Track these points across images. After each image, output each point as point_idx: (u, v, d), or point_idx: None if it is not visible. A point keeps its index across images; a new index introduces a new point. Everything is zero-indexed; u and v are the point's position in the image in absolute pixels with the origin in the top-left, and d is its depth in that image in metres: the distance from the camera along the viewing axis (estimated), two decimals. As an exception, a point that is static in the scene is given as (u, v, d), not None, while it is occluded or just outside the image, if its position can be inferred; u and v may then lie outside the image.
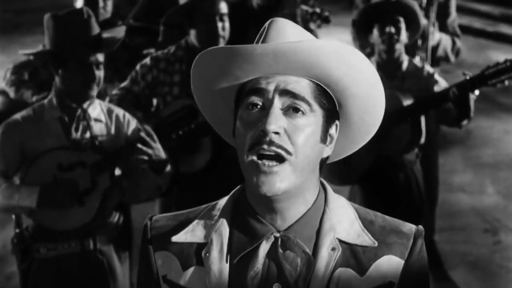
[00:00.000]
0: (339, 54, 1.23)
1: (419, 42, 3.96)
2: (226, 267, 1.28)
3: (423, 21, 3.48)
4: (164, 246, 1.34)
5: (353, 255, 1.28)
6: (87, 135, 2.78)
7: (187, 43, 3.37)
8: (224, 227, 1.31)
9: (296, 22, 4.50)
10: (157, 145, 2.76)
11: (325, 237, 1.28)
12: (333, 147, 1.32)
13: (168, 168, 2.83)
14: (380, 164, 3.38)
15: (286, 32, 1.27)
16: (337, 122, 1.31)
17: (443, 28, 4.21)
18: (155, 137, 2.75)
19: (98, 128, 2.81)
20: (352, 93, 1.28)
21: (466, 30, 6.73)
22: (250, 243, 1.28)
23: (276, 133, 1.21)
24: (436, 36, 4.08)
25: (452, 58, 4.20)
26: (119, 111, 2.91)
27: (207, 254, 1.29)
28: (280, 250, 1.26)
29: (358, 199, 3.43)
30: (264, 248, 1.27)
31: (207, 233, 1.32)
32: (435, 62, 4.10)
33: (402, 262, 1.28)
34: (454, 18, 4.32)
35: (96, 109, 2.82)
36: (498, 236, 4.53)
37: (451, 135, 5.59)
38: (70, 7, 3.84)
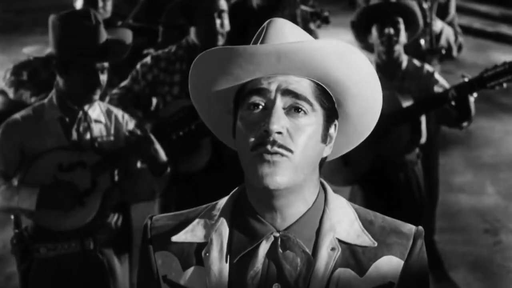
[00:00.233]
0: (340, 54, 1.23)
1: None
2: (226, 267, 1.28)
3: (422, 21, 3.47)
4: (164, 246, 1.34)
5: (353, 255, 1.28)
6: (87, 136, 2.78)
7: (188, 43, 3.37)
8: (224, 227, 1.31)
9: (296, 22, 4.49)
10: (157, 147, 2.76)
11: (325, 237, 1.28)
12: (332, 146, 1.32)
13: (168, 170, 2.83)
14: (380, 165, 3.38)
15: (285, 32, 1.27)
16: (336, 121, 1.32)
17: None
18: (155, 140, 2.75)
19: (98, 129, 2.81)
20: (352, 93, 1.29)
21: (466, 30, 6.72)
22: (250, 242, 1.28)
23: (279, 133, 1.21)
24: (439, 24, 4.08)
25: (454, 50, 4.18)
26: (118, 112, 2.91)
27: (207, 254, 1.29)
28: (280, 250, 1.26)
29: (359, 199, 3.43)
30: (264, 248, 1.27)
31: (207, 233, 1.32)
32: (438, 50, 4.07)
33: (402, 262, 1.28)
34: (453, 17, 4.32)
35: (95, 110, 2.82)
36: (499, 237, 4.53)
37: (451, 135, 5.59)
38: (70, 7, 3.84)
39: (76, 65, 2.67)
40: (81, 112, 2.77)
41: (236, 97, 1.30)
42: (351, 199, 3.40)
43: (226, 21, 3.30)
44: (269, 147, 1.20)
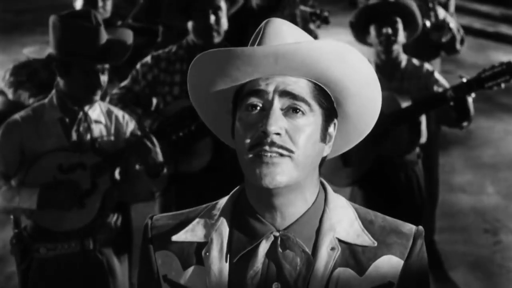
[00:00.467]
0: (338, 54, 1.23)
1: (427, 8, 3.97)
2: (226, 266, 1.28)
3: (421, 21, 3.47)
4: (165, 246, 1.34)
5: (353, 255, 1.28)
6: (88, 137, 2.78)
7: (188, 43, 3.37)
8: (224, 226, 1.31)
9: (295, 22, 4.49)
10: (157, 149, 2.76)
11: (324, 236, 1.28)
12: (331, 145, 1.32)
13: (164, 171, 2.83)
14: (380, 165, 3.38)
15: (283, 33, 1.27)
16: (335, 120, 1.32)
17: None
18: (155, 141, 2.75)
19: (98, 130, 2.81)
20: (350, 92, 1.29)
21: (466, 30, 6.71)
22: (250, 242, 1.28)
23: (277, 134, 1.21)
24: (442, 12, 4.07)
25: (458, 40, 4.17)
26: (118, 112, 2.91)
27: (207, 254, 1.29)
28: (280, 250, 1.26)
29: (359, 200, 3.43)
30: (263, 247, 1.27)
31: (207, 232, 1.32)
32: (443, 25, 4.03)
33: (402, 262, 1.28)
34: (451, 15, 4.33)
35: (96, 110, 2.82)
36: (499, 236, 4.53)
37: (451, 135, 5.59)
38: (70, 7, 3.85)
39: (76, 67, 2.67)
40: (81, 113, 2.77)
41: (234, 97, 1.30)
42: (351, 199, 3.40)
43: (223, 19, 3.31)
44: (267, 147, 1.20)
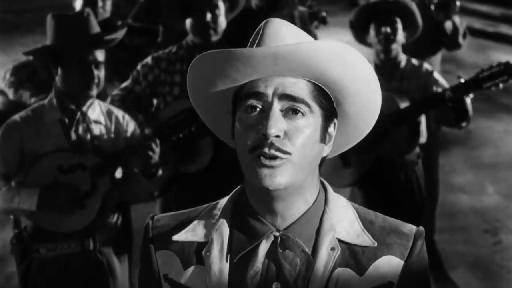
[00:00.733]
0: (337, 54, 1.23)
1: None
2: (226, 266, 1.28)
3: (421, 21, 3.47)
4: (165, 245, 1.34)
5: (353, 255, 1.28)
6: (87, 137, 2.77)
7: (188, 43, 3.37)
8: (224, 226, 1.31)
9: (294, 23, 4.49)
10: (157, 151, 2.76)
11: (324, 236, 1.28)
12: (332, 145, 1.32)
13: (160, 172, 2.84)
14: (380, 165, 3.38)
15: (282, 33, 1.26)
16: (335, 120, 1.32)
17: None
18: (157, 143, 2.75)
19: (98, 130, 2.81)
20: (350, 92, 1.29)
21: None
22: (250, 242, 1.28)
23: (277, 136, 1.21)
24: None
25: (460, 34, 4.16)
26: (118, 112, 2.91)
27: (208, 253, 1.30)
28: (280, 250, 1.26)
29: (359, 200, 3.43)
30: (264, 247, 1.27)
31: (207, 232, 1.32)
32: (447, 7, 4.03)
33: (402, 262, 1.28)
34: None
35: (95, 110, 2.82)
36: (499, 237, 4.53)
37: (451, 135, 5.59)
38: (70, 7, 3.86)
39: (70, 61, 2.67)
40: (79, 113, 2.77)
41: (234, 98, 1.30)
42: (351, 199, 3.39)
43: (221, 18, 3.31)
44: (266, 149, 1.20)
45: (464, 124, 3.29)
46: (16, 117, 2.77)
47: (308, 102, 1.24)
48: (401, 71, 3.45)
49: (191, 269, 1.31)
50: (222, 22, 3.33)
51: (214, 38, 3.31)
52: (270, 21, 1.28)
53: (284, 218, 1.28)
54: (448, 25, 4.14)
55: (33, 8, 9.39)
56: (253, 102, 1.24)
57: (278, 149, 1.21)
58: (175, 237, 1.34)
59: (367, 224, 1.31)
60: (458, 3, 4.05)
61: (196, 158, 3.24)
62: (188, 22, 3.33)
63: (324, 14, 4.41)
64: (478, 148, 5.90)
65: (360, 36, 3.54)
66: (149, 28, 4.52)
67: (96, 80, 2.71)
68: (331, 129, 1.31)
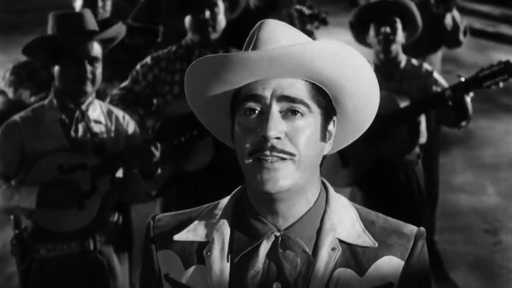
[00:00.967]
0: (333, 53, 1.23)
1: None
2: (227, 266, 1.28)
3: (420, 21, 3.46)
4: (166, 245, 1.35)
5: (353, 256, 1.28)
6: (87, 137, 2.77)
7: (187, 42, 3.38)
8: (225, 226, 1.32)
9: (293, 23, 4.49)
10: (157, 154, 2.76)
11: (325, 237, 1.28)
12: (332, 142, 1.32)
13: (158, 172, 2.84)
14: (380, 165, 3.38)
15: (277, 35, 1.26)
16: (334, 118, 1.32)
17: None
18: (158, 146, 2.76)
19: (98, 130, 2.81)
20: (347, 89, 1.29)
21: (466, 30, 6.72)
22: (251, 242, 1.28)
23: (277, 138, 1.21)
24: None
25: (461, 31, 4.16)
26: (118, 112, 2.91)
27: (209, 253, 1.30)
28: (280, 250, 1.27)
29: (359, 200, 3.43)
30: (264, 247, 1.27)
31: (208, 232, 1.32)
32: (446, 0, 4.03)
33: (402, 263, 1.29)
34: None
35: (96, 110, 2.82)
36: (499, 237, 4.53)
37: (451, 135, 5.59)
38: (70, 7, 3.85)
39: (64, 56, 2.68)
40: (77, 112, 2.77)
41: (232, 101, 1.30)
42: (351, 199, 3.38)
43: (220, 16, 3.31)
44: (267, 152, 1.21)
45: (464, 123, 3.29)
46: (16, 117, 2.77)
47: (307, 102, 1.24)
48: (401, 71, 3.45)
49: (192, 268, 1.31)
50: (222, 20, 3.34)
51: (213, 36, 3.31)
52: (265, 23, 1.28)
53: (286, 218, 1.28)
54: (448, 20, 4.14)
55: (33, 8, 9.39)
56: (251, 105, 1.24)
57: (282, 151, 1.21)
58: (176, 237, 1.34)
59: (368, 225, 1.31)
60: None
61: (196, 158, 3.23)
62: (187, 20, 3.33)
63: (324, 15, 4.41)
64: (478, 148, 5.90)
65: (360, 36, 3.54)
66: (149, 28, 4.51)
67: (89, 76, 2.70)
68: (330, 127, 1.31)
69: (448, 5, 4.04)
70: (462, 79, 3.09)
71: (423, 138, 3.43)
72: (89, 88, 2.72)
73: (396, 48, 3.42)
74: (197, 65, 1.27)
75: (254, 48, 1.26)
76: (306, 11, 4.40)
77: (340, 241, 1.28)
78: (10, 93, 3.57)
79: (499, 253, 4.33)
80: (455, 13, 4.16)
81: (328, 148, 1.32)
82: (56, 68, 2.73)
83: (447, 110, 3.21)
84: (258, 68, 1.22)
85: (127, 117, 2.92)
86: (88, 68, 2.68)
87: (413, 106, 3.27)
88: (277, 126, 1.21)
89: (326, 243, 1.27)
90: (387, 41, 3.37)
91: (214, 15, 3.29)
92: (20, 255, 2.78)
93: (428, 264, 1.33)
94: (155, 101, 3.36)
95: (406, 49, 3.55)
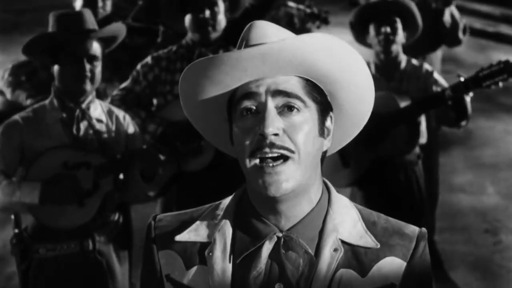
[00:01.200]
0: (324, 47, 1.23)
1: None
2: (229, 266, 1.28)
3: (421, 21, 3.46)
4: (168, 245, 1.34)
5: (355, 256, 1.28)
6: (89, 134, 2.78)
7: (187, 42, 3.37)
8: (227, 227, 1.32)
9: (292, 22, 4.48)
10: (162, 159, 2.77)
11: (327, 237, 1.28)
12: (331, 139, 1.32)
13: (159, 172, 2.84)
14: (379, 165, 3.38)
15: (268, 34, 1.26)
16: (331, 113, 1.32)
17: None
18: (163, 151, 2.76)
19: (100, 128, 2.81)
20: (342, 83, 1.29)
21: (466, 30, 6.72)
22: (253, 243, 1.28)
23: (275, 134, 1.21)
24: None
25: (460, 29, 4.15)
26: (119, 113, 2.91)
27: (210, 254, 1.30)
28: (283, 250, 1.26)
29: (359, 200, 3.43)
30: (267, 248, 1.27)
31: (210, 232, 1.32)
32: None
33: (404, 264, 1.28)
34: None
35: (97, 109, 2.82)
36: (499, 237, 4.53)
37: (451, 135, 5.59)
38: (70, 7, 3.85)
39: (64, 55, 2.68)
40: (78, 111, 2.77)
41: (228, 105, 1.30)
42: (351, 199, 3.38)
43: (220, 16, 3.31)
44: (267, 149, 1.21)
45: (463, 123, 3.29)
46: (17, 117, 2.77)
47: (302, 97, 1.24)
48: (401, 72, 3.45)
49: (193, 269, 1.31)
50: (222, 20, 3.34)
51: (213, 35, 3.31)
52: (255, 24, 1.28)
53: (288, 218, 1.28)
54: (447, 17, 4.14)
55: (33, 8, 9.38)
56: (247, 104, 1.24)
57: (282, 147, 1.21)
58: (178, 237, 1.34)
59: (370, 225, 1.31)
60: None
61: (197, 158, 3.23)
62: (187, 19, 3.33)
63: (325, 14, 4.41)
64: (478, 148, 5.90)
65: (360, 37, 3.54)
66: (149, 28, 4.52)
67: (88, 74, 2.69)
68: (328, 122, 1.31)
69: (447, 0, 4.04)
70: (462, 79, 3.09)
71: (423, 138, 3.43)
72: (88, 86, 2.72)
73: (397, 48, 3.42)
74: (190, 69, 1.27)
75: (245, 47, 1.26)
76: (307, 10, 4.40)
77: (342, 241, 1.28)
78: (8, 93, 3.57)
79: (499, 253, 4.33)
80: (454, 10, 4.16)
81: (328, 144, 1.32)
82: (56, 68, 2.73)
83: (446, 110, 3.21)
84: (250, 66, 1.22)
85: (127, 117, 2.92)
86: (87, 66, 2.68)
87: (413, 106, 3.27)
88: (274, 123, 1.21)
89: (329, 244, 1.27)
90: (387, 41, 3.37)
91: (214, 14, 3.29)
92: (19, 254, 2.78)
93: (429, 265, 1.33)
94: (155, 101, 3.36)
95: (406, 48, 3.55)
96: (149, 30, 4.51)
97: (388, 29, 3.36)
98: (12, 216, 2.83)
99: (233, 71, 1.23)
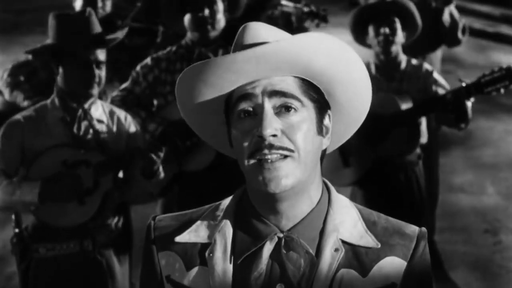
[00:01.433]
0: (318, 46, 1.23)
1: None
2: (230, 267, 1.28)
3: (420, 21, 3.46)
4: (168, 246, 1.34)
5: (356, 256, 1.28)
6: (90, 134, 2.78)
7: (187, 42, 3.37)
8: (227, 227, 1.31)
9: (289, 21, 4.47)
10: (161, 156, 2.77)
11: (328, 237, 1.28)
12: (330, 137, 1.32)
13: (161, 175, 2.83)
14: (380, 165, 3.38)
15: (262, 35, 1.26)
16: (329, 111, 1.32)
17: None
18: (163, 149, 2.76)
19: (100, 128, 2.81)
20: (338, 81, 1.28)
21: (466, 30, 6.72)
22: (253, 243, 1.28)
23: (274, 135, 1.21)
24: None
25: (459, 29, 4.15)
26: (120, 113, 2.92)
27: (211, 255, 1.29)
28: (284, 251, 1.26)
29: (359, 200, 3.43)
30: (267, 248, 1.27)
31: (210, 233, 1.32)
32: None
33: (405, 263, 1.28)
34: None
35: (98, 109, 2.83)
36: (499, 237, 4.53)
37: (451, 135, 5.59)
38: (69, 6, 3.85)
39: (71, 60, 2.68)
40: (80, 110, 2.77)
41: (225, 108, 1.30)
42: (352, 199, 3.38)
43: (219, 15, 3.31)
44: (266, 151, 1.21)
45: (463, 125, 3.29)
46: (19, 116, 2.77)
47: (299, 97, 1.24)
48: (401, 72, 3.45)
49: (194, 270, 1.31)
50: (221, 19, 3.33)
51: (212, 34, 3.30)
52: (248, 26, 1.28)
53: (288, 218, 1.28)
54: (446, 17, 4.14)
55: (33, 8, 9.39)
56: (244, 106, 1.24)
57: (281, 148, 1.21)
58: (178, 238, 1.33)
59: (370, 225, 1.31)
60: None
61: (198, 158, 3.23)
62: (186, 18, 3.33)
63: (323, 12, 4.41)
64: (478, 148, 5.90)
65: (360, 37, 3.54)
66: (149, 28, 4.52)
67: (97, 80, 2.71)
68: (326, 121, 1.31)
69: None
70: (463, 84, 3.09)
71: (423, 139, 3.43)
72: (95, 91, 2.75)
73: (396, 48, 3.42)
74: (185, 74, 1.27)
75: (239, 49, 1.26)
76: (304, 8, 4.39)
77: (343, 242, 1.28)
78: (6, 94, 3.57)
79: (499, 253, 4.33)
80: (454, 10, 4.16)
81: (327, 142, 1.32)
82: (61, 70, 2.72)
83: (446, 112, 3.21)
84: (245, 68, 1.22)
85: (129, 117, 2.93)
86: (96, 72, 2.69)
87: (414, 109, 3.27)
88: (271, 124, 1.21)
89: (329, 244, 1.27)
90: (387, 41, 3.37)
91: (213, 13, 3.29)
92: (19, 254, 2.78)
93: (429, 265, 1.33)
94: (155, 101, 3.36)
95: (405, 48, 3.55)
96: (148, 31, 4.51)
97: (388, 30, 3.36)
98: (13, 216, 2.83)
99: (228, 74, 1.23)
